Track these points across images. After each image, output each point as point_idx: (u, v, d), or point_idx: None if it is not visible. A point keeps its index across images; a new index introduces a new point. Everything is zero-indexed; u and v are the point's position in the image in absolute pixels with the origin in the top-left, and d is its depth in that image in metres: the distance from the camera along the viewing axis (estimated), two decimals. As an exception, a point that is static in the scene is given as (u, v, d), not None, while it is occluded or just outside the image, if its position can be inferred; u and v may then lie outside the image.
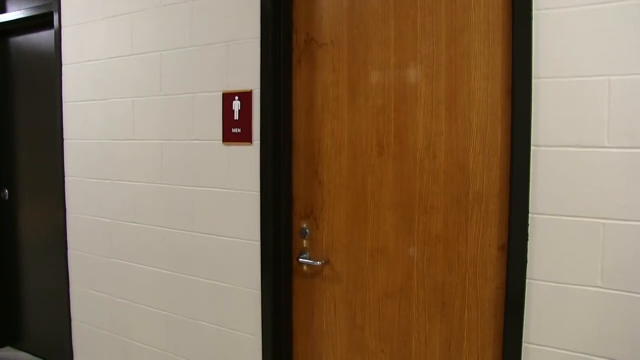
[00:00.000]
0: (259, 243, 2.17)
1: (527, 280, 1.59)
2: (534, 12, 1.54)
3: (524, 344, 1.61)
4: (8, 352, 3.44)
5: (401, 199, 1.90)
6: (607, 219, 1.47)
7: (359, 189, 1.99)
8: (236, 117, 2.19)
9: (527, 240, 1.58)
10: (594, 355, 1.50)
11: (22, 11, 3.02)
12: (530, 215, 1.58)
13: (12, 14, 3.08)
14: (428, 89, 1.82)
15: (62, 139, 2.88)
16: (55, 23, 2.85)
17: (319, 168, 2.08)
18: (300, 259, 2.11)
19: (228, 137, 2.23)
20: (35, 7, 2.95)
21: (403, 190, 1.89)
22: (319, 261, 2.06)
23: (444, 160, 1.80)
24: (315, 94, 2.07)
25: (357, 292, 2.02)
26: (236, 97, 2.19)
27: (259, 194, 2.16)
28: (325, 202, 2.07)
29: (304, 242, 2.11)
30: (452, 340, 1.83)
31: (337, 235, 2.05)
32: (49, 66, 2.96)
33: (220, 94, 2.24)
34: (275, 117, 2.11)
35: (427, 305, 1.87)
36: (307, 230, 2.11)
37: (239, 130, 2.19)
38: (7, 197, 3.41)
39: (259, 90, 2.13)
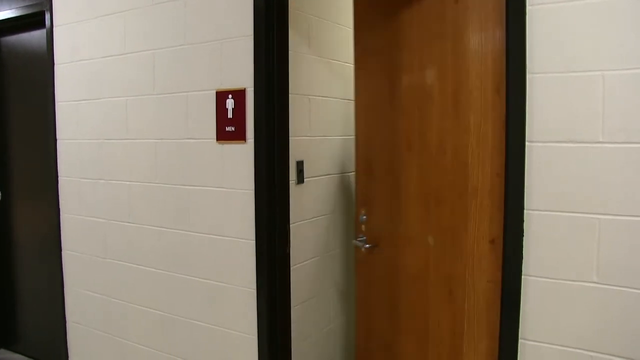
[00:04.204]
0: (253, 242, 2.16)
1: (522, 277, 1.59)
2: (528, 8, 1.54)
3: (520, 340, 1.61)
4: (2, 354, 3.41)
5: (422, 192, 1.97)
6: (603, 214, 1.46)
7: (395, 183, 2.08)
8: (230, 115, 2.18)
9: (523, 236, 1.58)
10: (590, 351, 1.50)
11: (13, 10, 3.00)
12: (525, 211, 1.57)
13: (3, 13, 3.05)
14: (440, 88, 1.88)
15: (55, 139, 2.87)
16: (47, 22, 2.82)
17: (373, 164, 2.17)
18: (358, 241, 2.19)
19: (222, 135, 2.22)
20: (27, 6, 2.93)
21: (423, 184, 1.96)
22: (369, 245, 2.16)
23: (451, 156, 1.85)
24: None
25: (394, 273, 2.10)
26: (230, 96, 2.18)
27: (253, 192, 2.15)
28: (376, 193, 2.15)
29: (363, 227, 2.20)
30: (456, 328, 1.87)
31: (382, 223, 2.13)
32: (41, 66, 2.94)
33: (214, 92, 2.23)
34: (269, 115, 2.10)
35: (439, 291, 1.93)
36: (364, 217, 2.18)
37: (233, 128, 2.18)
38: (0, 198, 3.39)
39: (252, 89, 2.12)
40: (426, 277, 1.98)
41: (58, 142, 2.86)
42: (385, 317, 2.16)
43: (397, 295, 2.10)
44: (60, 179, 2.88)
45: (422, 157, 1.95)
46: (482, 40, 1.72)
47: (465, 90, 1.78)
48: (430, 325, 1.97)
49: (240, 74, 2.15)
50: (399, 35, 2.00)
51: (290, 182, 2.28)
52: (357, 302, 2.29)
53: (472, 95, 1.75)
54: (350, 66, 2.96)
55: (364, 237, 2.18)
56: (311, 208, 2.63)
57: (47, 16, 2.82)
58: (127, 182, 2.58)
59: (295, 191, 2.41)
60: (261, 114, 2.10)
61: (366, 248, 2.14)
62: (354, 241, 2.17)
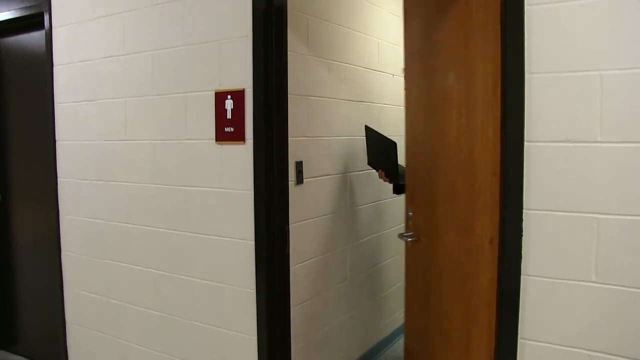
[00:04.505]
0: (253, 242, 2.16)
1: (522, 276, 1.59)
2: (526, 8, 1.54)
3: (519, 340, 1.61)
4: (2, 355, 3.41)
5: (446, 190, 2.03)
6: (601, 213, 1.47)
7: (429, 181, 2.16)
8: (229, 116, 2.18)
9: (522, 235, 1.58)
10: (589, 350, 1.50)
11: (12, 11, 2.99)
12: (524, 210, 1.57)
13: (2, 15, 3.04)
14: (457, 88, 1.92)
15: (54, 140, 2.86)
16: (46, 23, 2.82)
17: (416, 163, 2.28)
18: (404, 235, 2.27)
19: (221, 136, 2.22)
20: (26, 7, 2.92)
21: (447, 182, 2.02)
22: (413, 239, 2.23)
23: (465, 155, 1.88)
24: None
25: (428, 266, 2.19)
26: (229, 96, 2.18)
27: (252, 192, 2.15)
28: (418, 191, 2.24)
29: (410, 222, 2.27)
30: (465, 324, 1.91)
31: (422, 218, 2.21)
32: (40, 67, 2.94)
33: (213, 93, 2.23)
34: (268, 116, 2.10)
35: (457, 287, 1.96)
36: (411, 213, 2.26)
37: (232, 129, 2.18)
38: (-1, 200, 3.39)
39: (251, 89, 2.12)
40: (448, 272, 2.04)
41: (57, 143, 2.86)
42: (422, 307, 2.26)
43: (431, 286, 2.20)
44: (59, 180, 2.88)
45: (446, 156, 2.02)
46: (485, 41, 1.73)
47: (473, 90, 1.82)
48: (450, 318, 2.04)
49: (239, 74, 2.15)
50: (432, 41, 2.09)
51: (289, 182, 2.28)
52: (405, 292, 2.43)
53: (477, 95, 1.78)
54: (350, 67, 2.96)
55: (410, 232, 2.28)
56: (310, 208, 2.64)
57: (46, 17, 2.81)
58: (126, 183, 2.58)
59: (294, 191, 2.41)
60: (260, 115, 2.10)
61: (409, 241, 2.26)
62: (399, 235, 2.30)
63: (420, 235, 2.20)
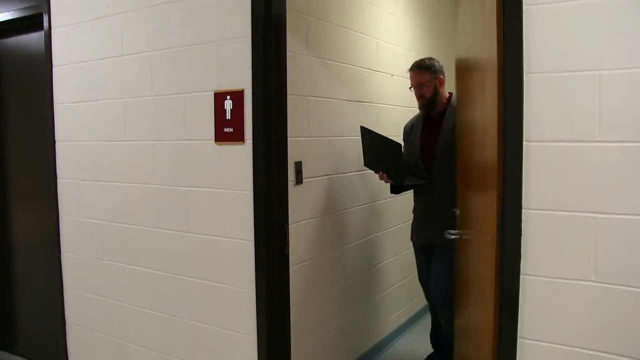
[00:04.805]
0: (252, 242, 2.17)
1: (521, 276, 1.59)
2: (525, 8, 1.54)
3: (519, 339, 1.61)
4: (2, 356, 3.41)
5: (473, 190, 2.08)
6: (600, 213, 1.47)
7: (466, 181, 2.26)
8: (228, 116, 2.18)
9: (521, 235, 1.58)
10: (589, 349, 1.50)
11: (10, 12, 2.99)
12: (523, 210, 1.58)
13: (1, 16, 3.04)
14: (478, 89, 1.94)
15: (53, 141, 2.86)
16: (45, 24, 2.82)
17: (461, 165, 2.38)
18: (449, 233, 2.35)
19: (220, 136, 2.22)
20: (25, 8, 2.92)
21: (473, 181, 2.09)
22: (456, 236, 2.33)
23: (484, 155, 1.89)
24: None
25: (463, 262, 2.30)
26: (228, 97, 2.18)
27: (252, 193, 2.15)
28: (462, 191, 2.36)
29: (457, 221, 2.40)
30: (479, 317, 1.93)
31: (463, 217, 2.31)
32: (40, 68, 2.94)
33: (212, 93, 2.23)
34: (267, 116, 2.10)
35: (476, 283, 1.99)
36: (458, 212, 2.35)
37: (231, 129, 2.18)
38: (-1, 201, 3.38)
39: (250, 90, 2.12)
40: (471, 268, 2.10)
41: (56, 144, 2.86)
42: (462, 298, 2.34)
43: (463, 283, 2.27)
44: (59, 180, 2.88)
45: (474, 155, 2.06)
46: (489, 41, 1.73)
47: (484, 91, 1.83)
48: (473, 312, 2.07)
49: (238, 75, 2.15)
50: (467, 42, 2.15)
51: (288, 182, 2.29)
52: (455, 282, 2.50)
53: (486, 95, 1.79)
54: (349, 67, 2.97)
55: (456, 230, 2.35)
56: (310, 208, 2.64)
57: (45, 18, 2.81)
58: (126, 184, 2.58)
59: (293, 192, 2.42)
60: (259, 115, 2.10)
61: (452, 239, 2.33)
62: (446, 232, 2.37)
63: (462, 233, 2.28)
